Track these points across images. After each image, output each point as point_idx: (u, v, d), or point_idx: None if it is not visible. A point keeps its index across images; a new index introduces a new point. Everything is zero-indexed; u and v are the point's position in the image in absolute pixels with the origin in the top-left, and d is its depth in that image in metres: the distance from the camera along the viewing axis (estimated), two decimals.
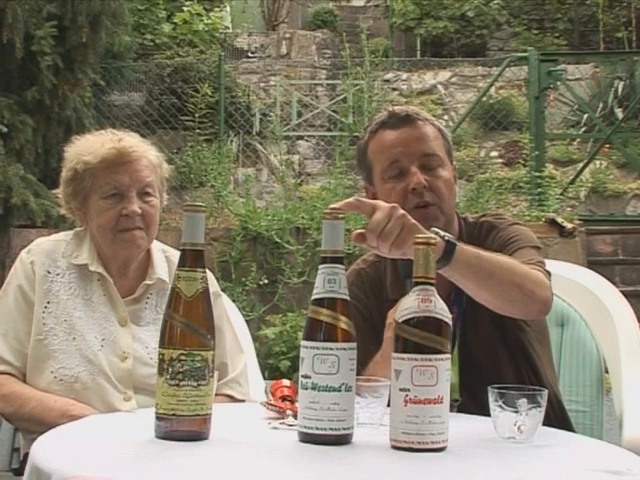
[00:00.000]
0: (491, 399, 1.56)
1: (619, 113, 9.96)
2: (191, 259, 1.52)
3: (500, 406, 1.55)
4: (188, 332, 1.49)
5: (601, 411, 2.32)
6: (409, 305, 1.47)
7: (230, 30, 12.81)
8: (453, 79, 11.57)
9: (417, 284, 1.48)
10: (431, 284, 1.48)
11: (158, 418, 1.49)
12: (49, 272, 2.13)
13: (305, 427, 1.47)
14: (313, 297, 1.49)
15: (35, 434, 1.67)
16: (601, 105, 10.30)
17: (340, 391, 1.45)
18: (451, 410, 1.52)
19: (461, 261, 1.70)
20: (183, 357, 1.47)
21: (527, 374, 1.98)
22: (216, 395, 1.73)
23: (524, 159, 8.66)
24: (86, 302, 2.12)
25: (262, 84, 11.58)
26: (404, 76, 11.61)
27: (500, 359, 1.98)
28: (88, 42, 7.51)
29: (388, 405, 1.50)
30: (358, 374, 1.52)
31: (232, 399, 2.17)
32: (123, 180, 2.11)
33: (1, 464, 2.20)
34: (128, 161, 2.12)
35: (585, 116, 10.13)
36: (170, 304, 1.52)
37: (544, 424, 1.58)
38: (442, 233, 1.69)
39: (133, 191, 2.11)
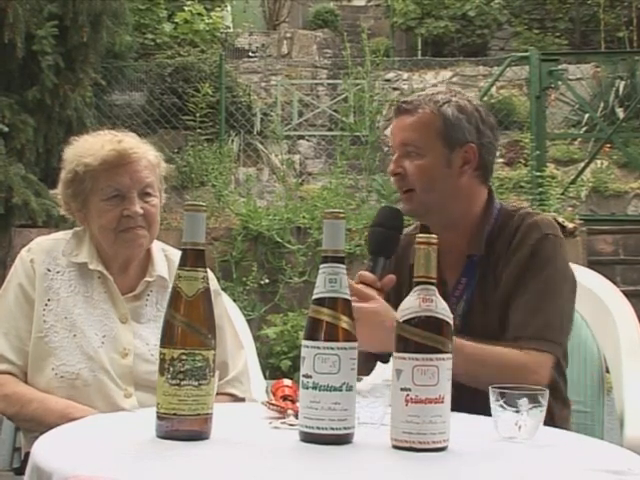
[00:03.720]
0: (492, 399, 1.56)
1: (620, 113, 9.95)
2: (192, 259, 1.52)
3: (501, 406, 1.55)
4: (189, 332, 1.49)
5: (602, 411, 2.32)
6: (410, 305, 1.47)
7: (231, 30, 12.82)
8: (454, 79, 11.57)
9: (418, 284, 1.49)
10: (432, 284, 1.48)
11: (159, 418, 1.49)
12: (49, 270, 2.13)
13: (306, 427, 1.47)
14: (314, 297, 1.50)
15: (36, 433, 1.67)
16: (602, 105, 10.30)
17: (341, 391, 1.45)
18: None
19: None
20: (184, 357, 1.47)
21: None
22: (218, 394, 1.74)
23: (525, 159, 8.65)
24: (86, 299, 2.12)
25: (263, 84, 11.58)
26: (405, 76, 11.60)
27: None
28: (89, 42, 7.51)
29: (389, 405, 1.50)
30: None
31: (234, 397, 2.17)
32: (124, 181, 2.11)
33: (2, 463, 2.20)
34: (128, 162, 2.12)
35: (586, 116, 10.13)
36: (171, 304, 1.52)
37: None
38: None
39: (134, 192, 2.11)
